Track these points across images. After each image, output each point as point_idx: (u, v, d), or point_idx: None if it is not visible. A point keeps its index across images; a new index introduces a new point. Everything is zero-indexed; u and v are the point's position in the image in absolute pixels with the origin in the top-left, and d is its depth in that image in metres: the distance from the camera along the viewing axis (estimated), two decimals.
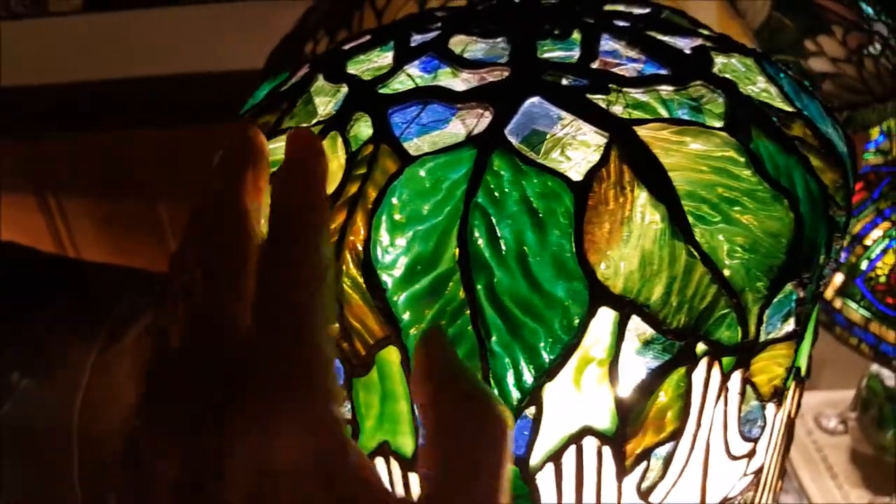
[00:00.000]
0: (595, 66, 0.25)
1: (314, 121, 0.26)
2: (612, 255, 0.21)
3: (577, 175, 0.22)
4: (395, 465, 0.25)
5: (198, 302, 0.21)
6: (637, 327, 0.22)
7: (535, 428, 0.23)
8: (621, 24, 0.28)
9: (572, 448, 0.24)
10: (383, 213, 0.22)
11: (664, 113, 0.24)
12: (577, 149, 0.23)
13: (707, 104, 0.25)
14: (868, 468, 0.69)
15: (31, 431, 0.42)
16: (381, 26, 0.32)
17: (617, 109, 0.24)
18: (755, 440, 0.27)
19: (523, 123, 0.23)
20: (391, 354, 0.23)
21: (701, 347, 0.23)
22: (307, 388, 0.20)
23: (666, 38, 0.28)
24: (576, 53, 0.26)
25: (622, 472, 0.24)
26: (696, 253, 0.22)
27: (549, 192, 0.22)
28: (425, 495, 0.20)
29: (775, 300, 0.24)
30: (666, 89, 0.25)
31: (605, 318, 0.22)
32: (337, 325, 0.23)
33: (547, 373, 0.22)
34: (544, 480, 0.24)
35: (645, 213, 0.22)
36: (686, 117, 0.24)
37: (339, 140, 0.24)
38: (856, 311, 0.61)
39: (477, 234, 0.21)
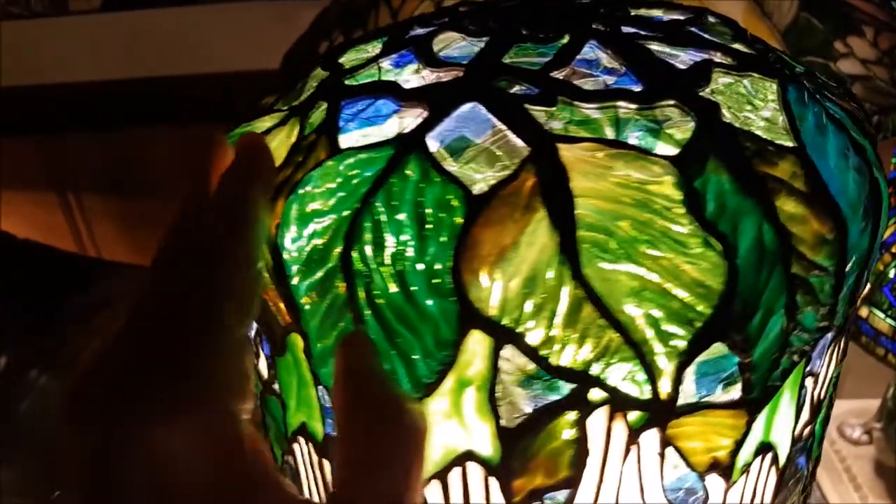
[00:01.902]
0: (559, 75, 0.23)
1: (290, 105, 0.27)
2: (493, 276, 0.20)
3: (484, 188, 0.21)
4: (312, 446, 0.26)
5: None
6: (518, 358, 0.21)
7: None
8: (630, 30, 0.26)
9: (458, 470, 0.23)
10: (294, 202, 0.23)
11: (610, 133, 0.22)
12: (497, 161, 0.22)
13: (670, 128, 0.22)
14: (893, 480, 0.66)
15: (50, 429, 0.43)
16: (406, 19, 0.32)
17: (555, 124, 0.22)
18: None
19: (454, 128, 0.22)
20: (297, 340, 0.24)
21: (597, 395, 0.21)
22: (204, 382, 0.20)
23: (669, 50, 0.25)
24: (546, 60, 0.24)
25: None
26: (581, 290, 0.20)
27: (444, 202, 0.21)
28: (331, 495, 0.21)
29: (702, 359, 0.21)
30: (627, 107, 0.22)
31: (479, 341, 0.21)
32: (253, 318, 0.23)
33: (424, 388, 0.22)
34: (433, 498, 0.24)
35: (538, 237, 0.20)
36: (635, 140, 0.22)
37: (297, 127, 0.25)
38: (883, 321, 0.58)
39: (365, 236, 0.21)
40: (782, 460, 0.25)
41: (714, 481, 0.24)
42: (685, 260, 0.20)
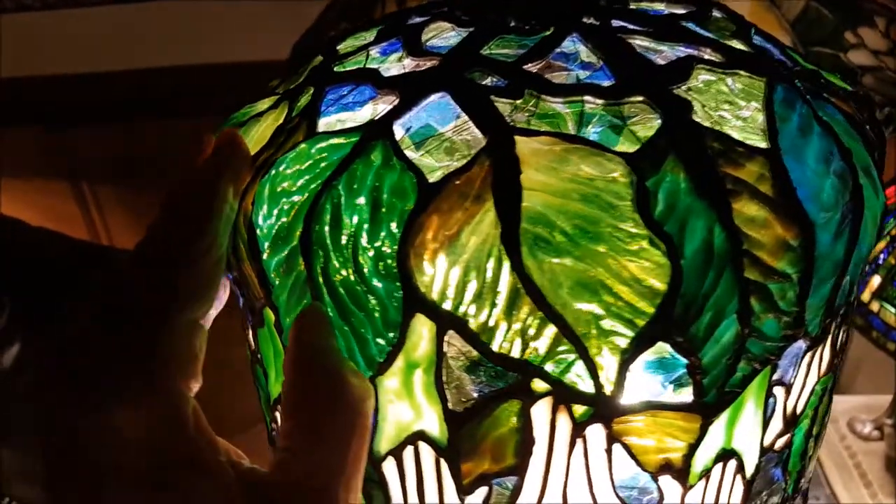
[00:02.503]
0: (533, 68, 0.24)
1: (286, 89, 0.28)
2: (436, 262, 0.20)
3: (440, 176, 0.21)
4: None
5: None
6: (462, 344, 0.21)
7: (375, 417, 0.23)
8: (619, 24, 0.26)
9: (411, 449, 0.24)
10: (267, 182, 0.24)
11: (572, 127, 0.22)
12: (457, 151, 0.22)
13: (635, 124, 0.22)
14: None
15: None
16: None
17: (519, 117, 0.22)
18: None
19: (421, 117, 0.23)
20: (270, 314, 0.25)
21: (540, 385, 0.21)
22: (158, 363, 0.21)
23: (654, 45, 0.25)
24: (523, 52, 0.24)
25: (461, 489, 0.23)
26: (520, 282, 0.20)
27: (400, 188, 0.21)
28: (274, 463, 0.22)
29: (648, 358, 0.21)
30: (594, 102, 0.22)
31: (424, 325, 0.21)
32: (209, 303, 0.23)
33: (376, 366, 0.22)
34: (390, 473, 0.24)
35: (483, 227, 0.20)
36: (596, 136, 0.22)
37: (286, 110, 0.26)
38: (894, 315, 0.56)
39: (324, 217, 0.22)
40: (749, 469, 0.25)
41: (669, 483, 0.23)
42: (629, 258, 0.20)
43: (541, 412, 0.22)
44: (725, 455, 0.24)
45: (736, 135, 0.22)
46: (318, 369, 0.21)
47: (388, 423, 0.23)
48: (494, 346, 0.21)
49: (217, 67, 0.81)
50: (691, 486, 0.24)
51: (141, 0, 0.80)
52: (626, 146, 0.21)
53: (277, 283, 0.24)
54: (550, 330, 0.20)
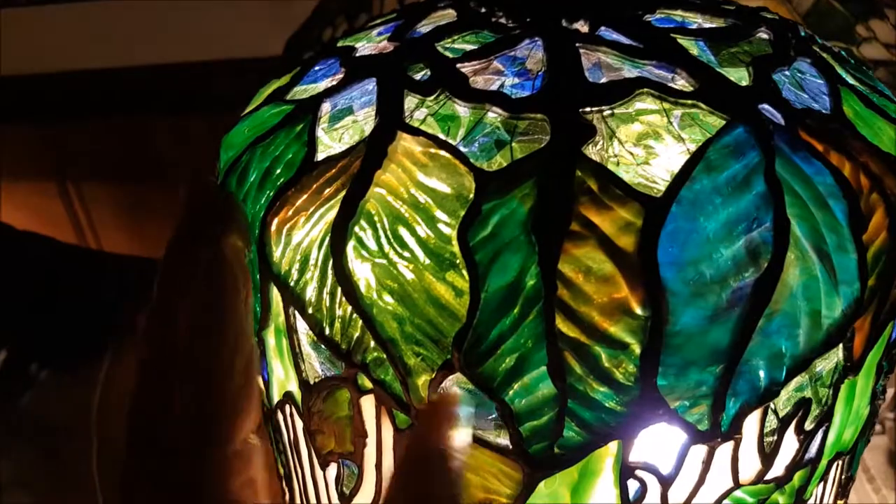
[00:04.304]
0: (467, 66, 0.23)
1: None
2: (290, 239, 0.21)
3: (324, 156, 0.22)
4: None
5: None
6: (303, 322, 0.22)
7: (266, 370, 0.25)
8: (605, 32, 0.23)
9: (288, 408, 0.25)
10: (226, 139, 0.26)
11: (460, 133, 0.21)
12: (356, 135, 0.22)
13: (521, 143, 0.20)
14: None
15: (51, 423, 0.43)
16: None
17: (419, 114, 0.22)
18: None
19: (350, 97, 0.24)
20: None
21: (365, 381, 0.21)
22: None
23: (615, 61, 0.22)
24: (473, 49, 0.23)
25: (318, 461, 0.25)
26: (333, 273, 0.20)
27: (291, 161, 0.22)
28: None
29: (465, 386, 0.20)
30: (497, 112, 0.21)
31: (276, 294, 0.22)
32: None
33: (258, 321, 0.24)
34: (278, 424, 0.26)
35: (326, 217, 0.21)
36: (475, 147, 0.20)
37: (289, 79, 0.29)
38: None
39: (237, 170, 0.24)
40: None
41: None
42: (438, 277, 0.19)
43: (369, 408, 0.22)
44: None
45: (629, 175, 0.19)
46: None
47: (274, 376, 0.25)
48: (326, 331, 0.21)
49: (205, 65, 0.77)
50: None
51: None
52: (497, 163, 0.20)
53: None
54: (360, 324, 0.20)
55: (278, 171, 0.22)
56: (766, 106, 0.21)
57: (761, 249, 0.18)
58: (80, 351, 0.44)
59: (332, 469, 0.24)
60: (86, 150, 0.83)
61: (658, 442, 0.20)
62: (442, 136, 0.21)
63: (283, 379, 0.24)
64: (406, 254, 0.19)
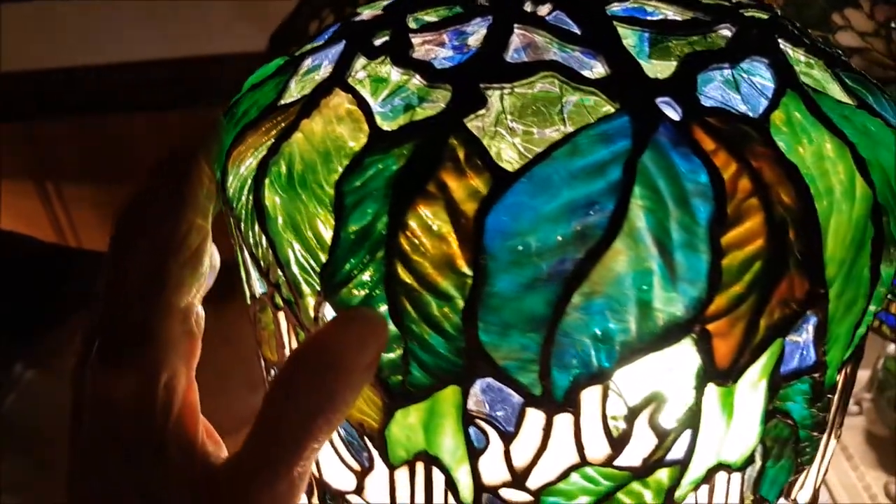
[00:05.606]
0: (418, 37, 0.25)
1: None
2: (229, 169, 0.25)
3: (281, 103, 0.26)
4: None
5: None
6: None
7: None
8: (555, 16, 0.24)
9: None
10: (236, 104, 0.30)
11: (381, 95, 0.23)
12: (308, 89, 0.25)
13: (423, 108, 0.22)
14: (885, 449, 0.66)
15: (35, 424, 0.42)
16: None
17: (360, 75, 0.24)
18: (363, 467, 0.25)
19: (325, 56, 0.27)
20: None
21: (279, 300, 0.25)
22: (146, 340, 0.22)
23: (544, 43, 0.23)
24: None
25: (266, 368, 0.29)
26: (252, 201, 0.24)
27: (261, 105, 0.26)
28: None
29: None
30: (418, 81, 0.23)
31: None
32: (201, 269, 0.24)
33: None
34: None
35: (258, 155, 0.24)
36: (387, 108, 0.23)
37: None
38: None
39: (229, 112, 0.28)
40: (464, 493, 0.24)
41: (377, 455, 0.25)
42: (322, 215, 0.22)
43: (283, 322, 0.25)
44: (427, 457, 0.24)
45: (497, 148, 0.21)
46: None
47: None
48: (253, 252, 0.25)
49: (187, 60, 0.78)
50: (395, 468, 0.24)
51: None
52: (398, 124, 0.22)
53: None
54: (269, 252, 0.24)
55: (252, 111, 0.26)
56: (666, 100, 0.21)
57: (590, 233, 0.19)
58: (62, 350, 0.43)
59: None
60: (64, 148, 0.82)
61: (500, 399, 0.22)
62: (367, 96, 0.23)
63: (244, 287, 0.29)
64: (302, 193, 0.22)
